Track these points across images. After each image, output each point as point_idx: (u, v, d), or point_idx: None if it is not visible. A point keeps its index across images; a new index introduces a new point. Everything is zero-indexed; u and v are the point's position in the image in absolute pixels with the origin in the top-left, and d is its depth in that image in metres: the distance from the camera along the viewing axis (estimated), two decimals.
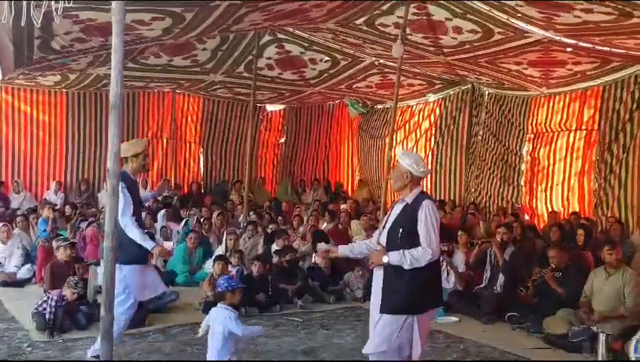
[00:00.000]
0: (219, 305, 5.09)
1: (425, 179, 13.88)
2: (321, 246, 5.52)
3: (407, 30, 9.26)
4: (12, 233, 9.77)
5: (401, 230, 4.51)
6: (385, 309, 4.51)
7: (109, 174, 4.12)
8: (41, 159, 14.46)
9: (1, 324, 7.20)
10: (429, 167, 14.12)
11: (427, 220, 4.43)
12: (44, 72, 11.31)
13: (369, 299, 4.95)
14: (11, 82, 12.74)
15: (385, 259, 4.46)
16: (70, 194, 14.38)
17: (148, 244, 5.72)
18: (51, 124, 14.47)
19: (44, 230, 10.32)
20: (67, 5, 5.19)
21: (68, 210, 11.68)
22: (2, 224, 9.80)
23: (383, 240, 4.64)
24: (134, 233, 5.64)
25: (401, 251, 4.42)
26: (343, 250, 5.04)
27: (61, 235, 8.93)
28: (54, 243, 8.34)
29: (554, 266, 7.79)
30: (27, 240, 10.21)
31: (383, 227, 4.74)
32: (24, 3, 5.66)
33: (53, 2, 5.18)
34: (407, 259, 4.37)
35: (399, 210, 4.66)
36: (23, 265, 9.40)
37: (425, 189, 14.02)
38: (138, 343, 6.68)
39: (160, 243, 7.14)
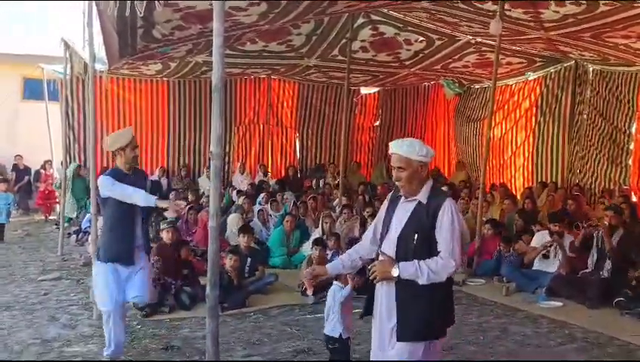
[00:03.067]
0: (334, 283, 5.18)
1: (525, 160, 13.78)
2: (306, 273, 4.38)
3: (506, 6, 8.95)
4: None
5: (416, 236, 3.69)
6: (404, 336, 3.70)
7: (213, 156, 4.21)
8: (145, 146, 15.03)
9: None
10: (531, 148, 13.69)
11: (451, 225, 3.65)
12: (147, 61, 11.71)
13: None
14: (116, 72, 13.27)
15: (395, 273, 3.64)
16: (172, 180, 14.92)
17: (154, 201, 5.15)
18: (153, 111, 15.08)
19: None
20: None
21: (172, 195, 12.07)
22: None
23: (391, 247, 3.77)
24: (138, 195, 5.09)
25: (415, 262, 3.63)
26: (332, 269, 4.13)
27: (166, 218, 9.26)
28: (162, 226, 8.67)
29: None
30: None
31: (386, 231, 3.86)
32: None
33: None
34: (425, 272, 3.59)
35: (409, 210, 3.78)
36: None
37: (526, 171, 13.90)
38: (240, 323, 6.87)
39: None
